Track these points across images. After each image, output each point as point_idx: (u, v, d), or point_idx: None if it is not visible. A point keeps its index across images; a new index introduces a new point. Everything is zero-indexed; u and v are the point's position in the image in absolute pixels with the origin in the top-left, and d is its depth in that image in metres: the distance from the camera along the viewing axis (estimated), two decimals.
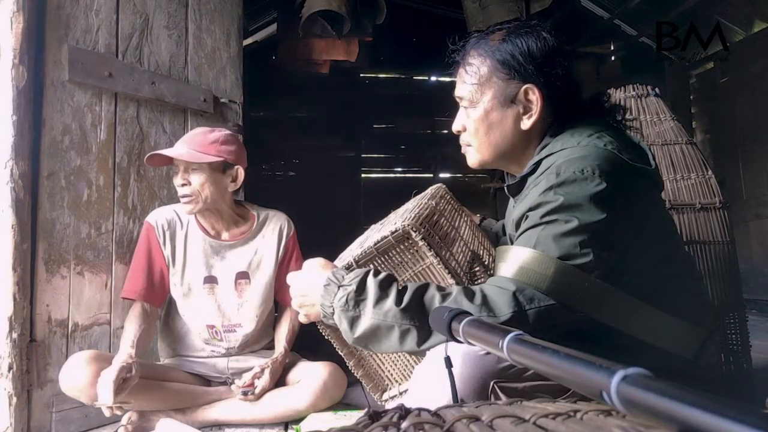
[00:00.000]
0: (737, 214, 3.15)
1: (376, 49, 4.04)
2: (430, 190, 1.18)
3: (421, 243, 0.88)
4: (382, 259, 0.94)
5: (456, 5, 3.40)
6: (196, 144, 1.51)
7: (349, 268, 0.93)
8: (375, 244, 0.92)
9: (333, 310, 0.85)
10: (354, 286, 0.83)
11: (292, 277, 0.98)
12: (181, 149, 1.51)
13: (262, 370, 1.53)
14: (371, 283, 0.83)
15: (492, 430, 0.37)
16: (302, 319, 0.97)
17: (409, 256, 0.93)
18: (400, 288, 0.83)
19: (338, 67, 3.70)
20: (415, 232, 0.87)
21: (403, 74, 4.98)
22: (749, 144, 3.83)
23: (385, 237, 0.90)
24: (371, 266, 0.94)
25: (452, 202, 1.18)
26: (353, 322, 0.83)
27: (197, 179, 1.51)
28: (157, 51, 1.74)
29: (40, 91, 1.43)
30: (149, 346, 1.57)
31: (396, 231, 0.89)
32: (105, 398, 1.24)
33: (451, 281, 0.89)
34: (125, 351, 1.37)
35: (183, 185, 1.52)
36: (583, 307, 0.80)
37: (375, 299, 0.81)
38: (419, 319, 0.79)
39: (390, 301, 0.81)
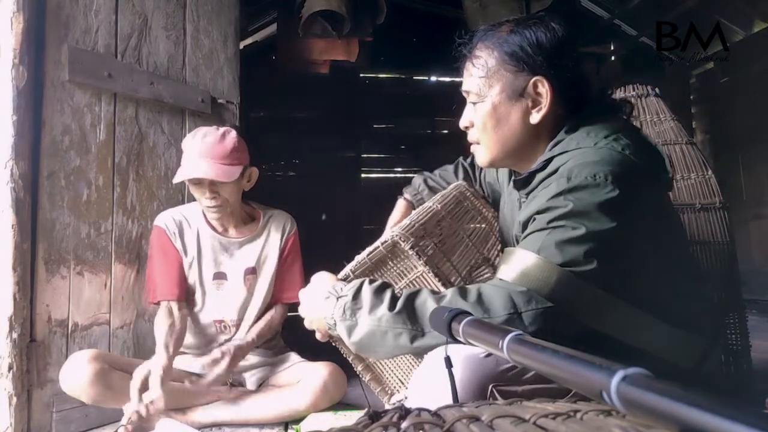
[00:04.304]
0: (737, 214, 3.13)
1: (376, 49, 4.03)
2: (450, 188, 1.16)
3: (410, 252, 0.88)
4: (377, 268, 0.95)
5: (456, 5, 3.39)
6: (218, 156, 1.50)
7: (346, 279, 0.94)
8: (368, 254, 0.93)
9: (334, 321, 0.86)
10: (350, 296, 0.84)
11: (302, 295, 0.99)
12: (207, 167, 1.47)
13: (222, 355, 1.48)
14: (366, 291, 0.84)
15: (492, 430, 0.37)
16: (318, 336, 0.96)
17: (402, 266, 0.94)
18: (394, 294, 0.83)
19: (338, 67, 3.70)
20: (403, 241, 0.88)
21: (403, 74, 4.96)
22: (749, 144, 3.83)
23: (377, 247, 0.92)
24: (369, 276, 0.95)
25: (465, 202, 1.15)
26: (351, 330, 0.83)
27: (226, 190, 1.54)
28: (155, 52, 1.74)
29: (40, 91, 1.43)
30: (182, 345, 1.54)
31: (385, 241, 0.90)
32: (153, 392, 1.29)
33: (443, 290, 0.89)
34: (162, 354, 1.39)
35: (212, 198, 1.53)
36: (584, 315, 0.78)
37: (370, 306, 0.82)
38: (411, 322, 0.79)
39: (383, 307, 0.81)
